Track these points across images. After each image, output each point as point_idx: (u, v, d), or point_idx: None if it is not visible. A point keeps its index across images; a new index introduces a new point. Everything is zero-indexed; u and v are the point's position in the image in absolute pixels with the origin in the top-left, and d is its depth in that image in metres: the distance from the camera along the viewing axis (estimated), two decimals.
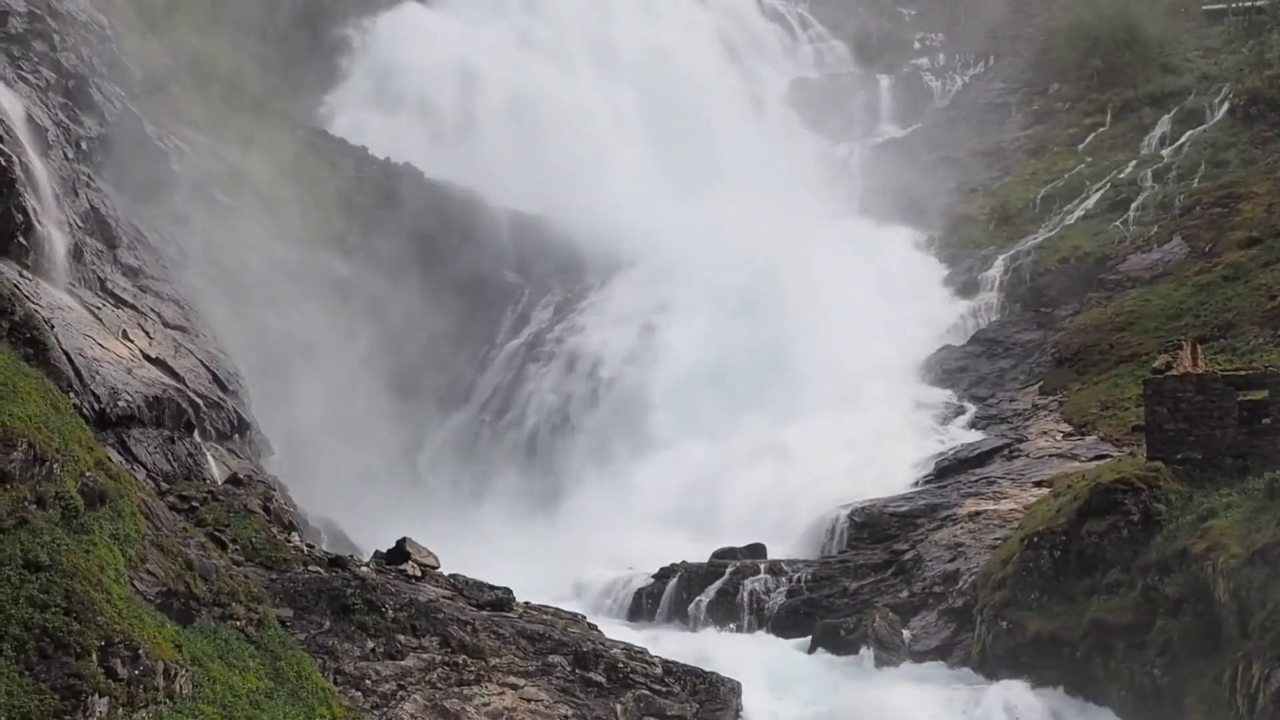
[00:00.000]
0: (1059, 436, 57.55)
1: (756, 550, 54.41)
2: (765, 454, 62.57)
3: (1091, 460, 52.29)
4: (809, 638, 47.87)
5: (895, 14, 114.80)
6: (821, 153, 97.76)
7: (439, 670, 35.93)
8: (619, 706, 37.80)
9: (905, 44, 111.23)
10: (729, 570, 52.35)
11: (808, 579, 51.27)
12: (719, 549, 54.73)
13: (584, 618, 43.76)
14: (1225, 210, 68.90)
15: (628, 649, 40.49)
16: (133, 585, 27.75)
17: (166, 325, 51.05)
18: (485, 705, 35.58)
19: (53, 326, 41.41)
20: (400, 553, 42.88)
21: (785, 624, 49.62)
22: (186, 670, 26.83)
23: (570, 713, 36.68)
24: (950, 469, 57.43)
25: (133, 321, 48.88)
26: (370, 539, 51.62)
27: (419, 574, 41.80)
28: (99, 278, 49.23)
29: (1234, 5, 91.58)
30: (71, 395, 38.98)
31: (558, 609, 43.42)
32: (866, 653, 45.81)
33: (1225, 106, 79.71)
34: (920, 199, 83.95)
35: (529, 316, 79.94)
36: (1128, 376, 58.55)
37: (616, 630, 45.07)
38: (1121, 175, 78.80)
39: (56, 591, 24.75)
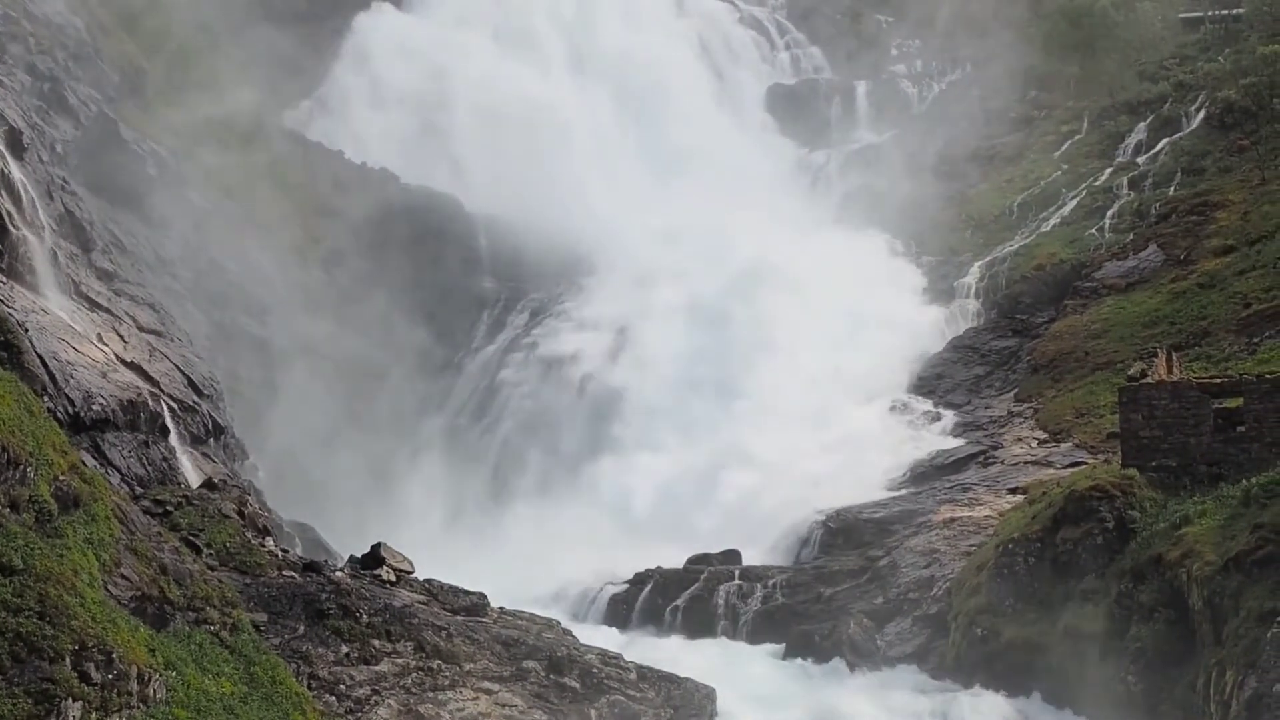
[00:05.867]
0: (1034, 443, 57.61)
1: (731, 556, 54.35)
2: (741, 460, 62.60)
3: (1066, 467, 52.38)
4: (783, 644, 47.85)
5: (873, 20, 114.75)
6: (798, 158, 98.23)
7: (413, 675, 35.85)
8: (593, 712, 37.74)
9: (883, 50, 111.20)
10: (704, 576, 52.30)
11: (782, 585, 51.22)
12: (694, 555, 54.73)
13: (559, 623, 43.77)
14: (1201, 218, 69.01)
15: (602, 654, 40.46)
16: (106, 590, 27.60)
17: (141, 329, 50.92)
18: (459, 710, 35.51)
19: (27, 330, 41.26)
20: (375, 558, 42.79)
21: (760, 630, 49.53)
22: (160, 675, 26.69)
23: (544, 718, 36.61)
24: (926, 475, 57.50)
25: (107, 325, 48.75)
26: (345, 544, 51.55)
27: (394, 579, 41.73)
28: (74, 281, 49.10)
29: (1211, 14, 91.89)
30: (45, 399, 38.84)
31: (532, 614, 43.40)
32: (841, 659, 45.80)
33: (1201, 114, 79.89)
34: (897, 205, 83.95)
35: (505, 321, 79.71)
36: (1103, 384, 58.64)
37: (591, 636, 44.98)
38: (1098, 182, 79.00)
39: (30, 595, 24.59)
